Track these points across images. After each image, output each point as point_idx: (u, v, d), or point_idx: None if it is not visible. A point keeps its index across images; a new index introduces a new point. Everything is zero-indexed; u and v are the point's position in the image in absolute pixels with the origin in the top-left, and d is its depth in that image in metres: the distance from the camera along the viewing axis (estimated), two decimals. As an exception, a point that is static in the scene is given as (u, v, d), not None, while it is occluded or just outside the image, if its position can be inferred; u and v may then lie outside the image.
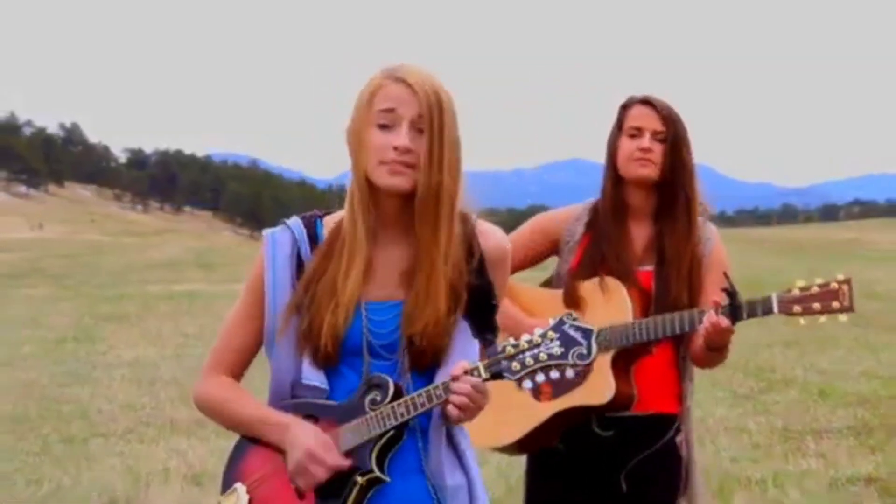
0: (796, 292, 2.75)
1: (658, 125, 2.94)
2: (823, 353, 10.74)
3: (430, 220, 2.04)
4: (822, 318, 2.74)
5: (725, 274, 2.75)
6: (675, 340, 2.95)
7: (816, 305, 2.73)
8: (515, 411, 2.93)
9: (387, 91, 2.05)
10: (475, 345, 2.09)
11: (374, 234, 2.09)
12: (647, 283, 2.94)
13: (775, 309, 2.75)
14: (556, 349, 1.94)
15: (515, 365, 1.96)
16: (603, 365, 2.87)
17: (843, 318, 2.72)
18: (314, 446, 2.02)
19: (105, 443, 7.28)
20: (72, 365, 11.26)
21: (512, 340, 1.98)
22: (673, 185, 2.94)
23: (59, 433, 7.60)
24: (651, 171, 2.94)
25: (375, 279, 2.09)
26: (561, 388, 2.87)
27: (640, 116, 2.96)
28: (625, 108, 3.00)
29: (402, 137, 2.02)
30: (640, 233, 3.00)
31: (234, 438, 2.22)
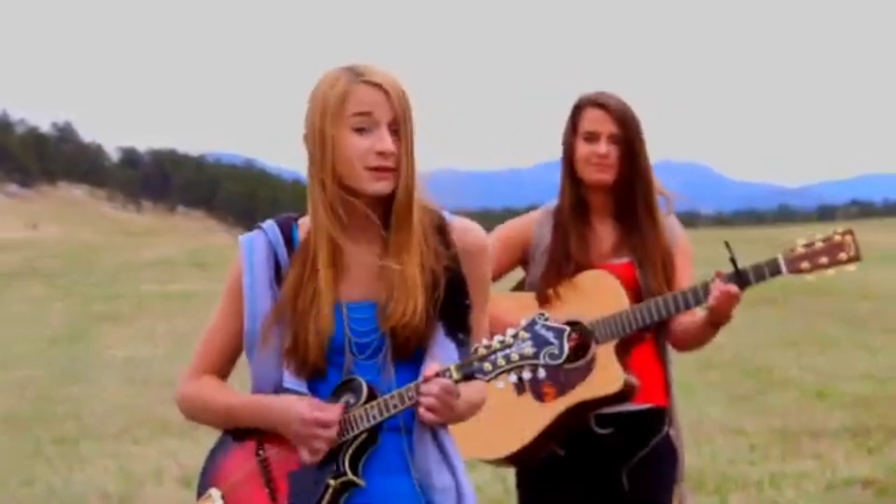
0: (801, 250, 2.74)
1: (613, 128, 2.94)
2: (821, 354, 10.72)
3: (403, 219, 2.07)
4: (832, 271, 2.73)
5: (727, 243, 2.77)
6: (655, 329, 2.95)
7: (824, 259, 2.72)
8: (517, 419, 2.92)
9: (360, 94, 2.05)
10: (452, 344, 2.09)
11: (345, 235, 2.08)
12: (626, 273, 2.94)
13: (783, 269, 2.75)
14: (528, 349, 1.95)
15: (487, 366, 1.98)
16: (607, 355, 2.87)
17: (851, 268, 2.71)
18: (309, 412, 2.03)
19: (98, 443, 7.28)
20: (65, 365, 11.23)
21: (484, 341, 2.00)
22: (632, 184, 2.95)
23: (52, 434, 7.59)
24: (608, 176, 2.95)
25: (351, 279, 2.10)
26: (565, 384, 2.87)
27: (594, 120, 2.96)
28: (578, 108, 3.00)
29: (385, 141, 2.04)
30: (604, 230, 3.01)
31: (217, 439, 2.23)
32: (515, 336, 1.97)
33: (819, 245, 2.74)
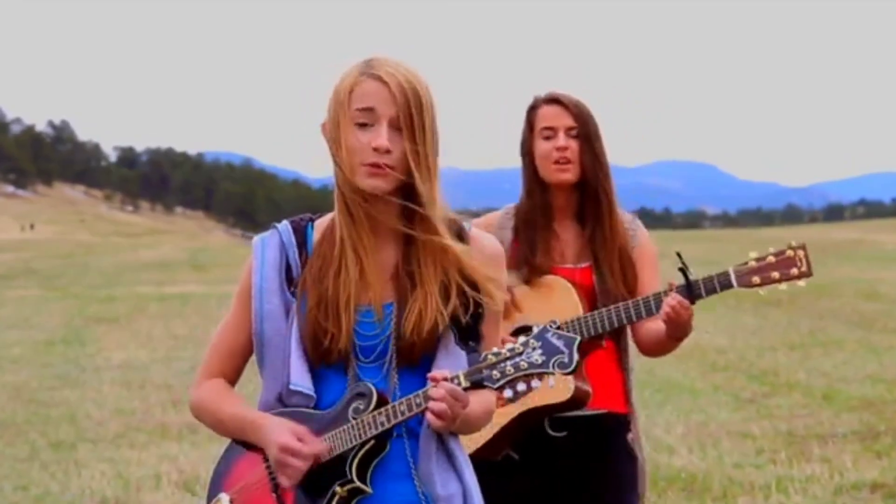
0: (753, 264, 2.76)
1: (570, 121, 2.92)
2: (827, 357, 10.68)
3: (421, 222, 2.04)
4: (783, 286, 2.76)
5: (678, 254, 2.78)
6: (614, 336, 2.94)
7: (775, 274, 2.74)
8: None
9: (364, 88, 2.03)
10: (462, 353, 2.07)
11: (359, 234, 2.06)
12: (586, 279, 2.93)
13: (734, 283, 2.78)
14: (538, 357, 1.94)
15: (496, 373, 1.96)
16: None
17: (801, 283, 2.75)
18: (286, 439, 2.02)
19: (94, 448, 7.22)
20: (61, 368, 11.18)
21: (494, 349, 1.98)
22: (592, 183, 2.93)
23: (48, 438, 7.54)
24: (570, 175, 2.93)
25: (365, 281, 2.07)
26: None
27: (550, 116, 2.94)
28: (533, 108, 2.99)
29: (381, 138, 2.00)
30: (567, 233, 2.99)
31: (225, 443, 2.21)
32: (525, 344, 1.96)
33: (771, 259, 2.75)
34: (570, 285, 2.89)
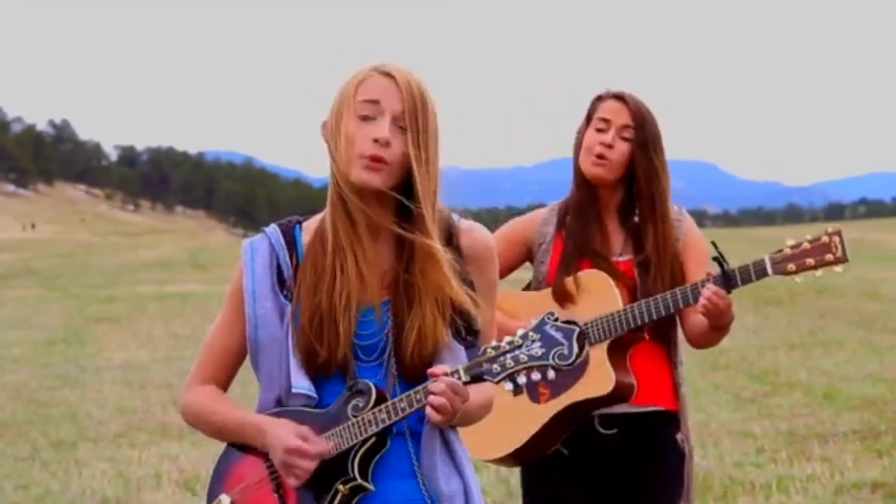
0: (788, 251, 2.75)
1: (627, 119, 2.89)
2: (828, 356, 10.66)
3: (419, 220, 2.02)
4: (819, 273, 2.74)
5: (714, 243, 2.77)
6: (662, 329, 2.93)
7: (810, 261, 2.73)
8: (515, 419, 2.91)
9: (372, 82, 2.03)
10: (461, 347, 2.07)
11: (360, 233, 2.05)
12: (628, 271, 2.92)
13: (770, 271, 2.76)
14: (537, 350, 1.94)
15: (496, 367, 1.95)
16: (600, 356, 2.86)
17: (838, 269, 2.72)
18: (293, 441, 2.01)
19: (95, 447, 7.22)
20: (61, 367, 11.18)
21: (493, 342, 1.98)
22: (639, 185, 2.91)
23: (48, 437, 7.55)
24: (604, 172, 2.90)
25: (364, 282, 2.06)
26: (560, 386, 2.86)
27: (610, 109, 2.92)
28: (598, 100, 2.97)
29: (383, 130, 1.99)
30: (611, 227, 2.98)
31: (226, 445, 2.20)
32: (525, 337, 1.95)
33: (806, 246, 2.74)
34: (608, 277, 2.87)
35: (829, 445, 6.63)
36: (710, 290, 2.72)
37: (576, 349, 1.93)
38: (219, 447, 2.20)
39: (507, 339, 1.96)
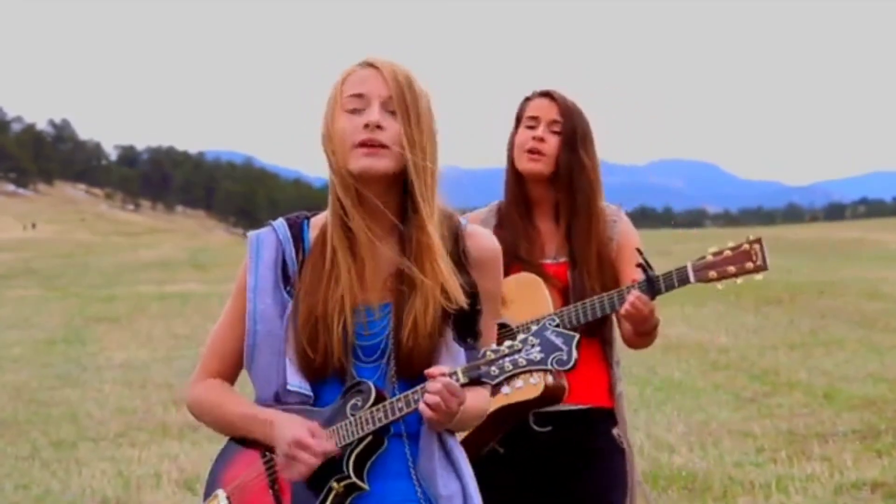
0: (710, 258, 2.78)
1: (555, 115, 2.91)
2: (828, 356, 10.64)
3: (420, 206, 2.01)
4: (739, 280, 2.78)
5: (638, 250, 2.77)
6: (598, 329, 2.93)
7: (731, 268, 2.76)
8: None
9: (356, 76, 2.03)
10: (461, 350, 2.07)
11: (360, 233, 2.04)
12: (560, 275, 2.92)
13: (691, 278, 2.78)
14: (536, 354, 1.95)
15: (494, 370, 1.96)
16: None
17: (758, 277, 2.76)
18: (301, 434, 1.99)
19: (95, 447, 7.21)
20: (62, 367, 11.18)
21: (493, 346, 1.99)
22: (570, 181, 2.91)
23: (49, 437, 7.53)
24: (540, 167, 2.91)
25: (364, 282, 2.05)
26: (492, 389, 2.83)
27: (538, 107, 2.94)
28: (526, 100, 2.99)
29: (372, 114, 1.99)
30: (546, 226, 2.98)
31: (225, 442, 2.20)
32: (524, 341, 1.96)
33: (728, 253, 2.77)
34: (539, 280, 2.87)
35: (829, 445, 6.63)
36: (633, 296, 2.73)
37: (574, 354, 1.94)
38: (218, 447, 2.20)
39: (507, 342, 1.97)
